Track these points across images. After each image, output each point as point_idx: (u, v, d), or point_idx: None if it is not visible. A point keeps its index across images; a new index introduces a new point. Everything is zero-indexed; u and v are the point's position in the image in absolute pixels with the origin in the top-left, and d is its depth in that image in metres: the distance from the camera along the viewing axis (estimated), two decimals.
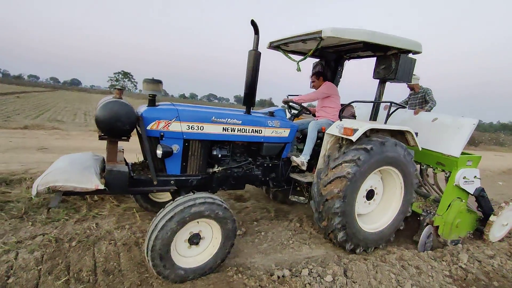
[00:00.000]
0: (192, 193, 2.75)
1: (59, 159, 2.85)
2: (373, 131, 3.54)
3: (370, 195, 3.71)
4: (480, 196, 4.30)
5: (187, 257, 2.74)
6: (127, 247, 3.17)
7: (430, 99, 5.26)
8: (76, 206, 3.94)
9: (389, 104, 3.67)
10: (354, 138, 3.24)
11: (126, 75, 73.55)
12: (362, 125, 3.33)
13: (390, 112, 3.63)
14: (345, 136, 3.33)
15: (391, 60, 3.47)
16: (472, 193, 4.22)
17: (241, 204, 4.88)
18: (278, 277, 2.84)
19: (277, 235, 3.91)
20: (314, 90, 4.28)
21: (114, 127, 2.58)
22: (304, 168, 3.72)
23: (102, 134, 2.66)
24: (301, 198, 3.82)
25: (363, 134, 3.31)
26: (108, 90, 66.67)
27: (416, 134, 3.72)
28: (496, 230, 4.37)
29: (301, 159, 3.72)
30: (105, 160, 2.90)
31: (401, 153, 3.56)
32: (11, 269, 2.64)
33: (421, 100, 5.36)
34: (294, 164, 3.78)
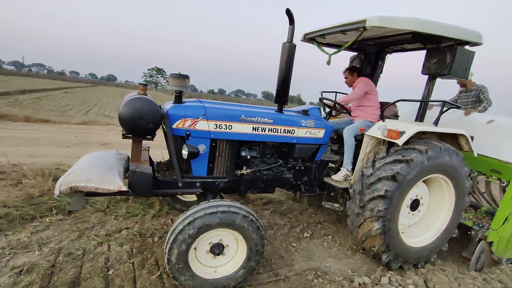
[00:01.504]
0: (220, 197, 2.56)
1: (82, 157, 2.77)
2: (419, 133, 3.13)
3: (414, 205, 3.31)
4: None
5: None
6: None
7: (484, 98, 4.64)
8: (149, 202, 4.11)
9: (440, 103, 3.24)
10: (400, 142, 2.87)
11: (159, 71, 75.95)
12: (409, 127, 2.95)
13: (442, 112, 3.20)
14: (389, 139, 2.96)
15: (445, 53, 3.02)
16: None
17: (301, 206, 4.78)
18: (359, 284, 2.88)
19: (344, 239, 3.86)
20: (350, 88, 3.93)
21: (137, 126, 2.43)
22: (351, 179, 3.39)
23: (126, 133, 2.52)
24: (336, 205, 3.51)
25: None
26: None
27: (472, 138, 3.26)
28: None
29: (344, 173, 3.45)
30: (129, 159, 2.78)
31: (458, 161, 3.14)
32: (108, 261, 2.84)
33: (474, 98, 4.75)
34: (336, 180, 3.49)
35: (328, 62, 3.29)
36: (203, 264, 2.53)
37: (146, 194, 2.70)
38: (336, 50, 3.32)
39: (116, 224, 3.49)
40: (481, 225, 3.62)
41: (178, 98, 2.80)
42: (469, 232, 3.66)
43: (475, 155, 3.33)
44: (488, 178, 3.95)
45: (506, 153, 3.62)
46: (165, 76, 77.46)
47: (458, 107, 3.48)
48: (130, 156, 2.69)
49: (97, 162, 2.58)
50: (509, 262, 3.65)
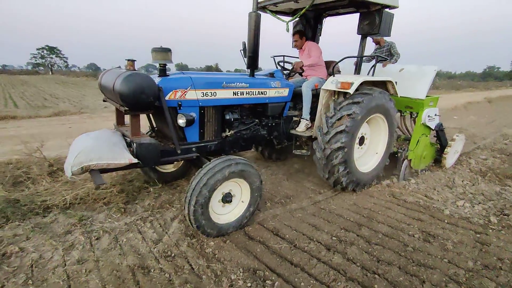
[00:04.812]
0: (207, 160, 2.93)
1: (79, 138, 2.80)
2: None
3: (361, 141, 4.19)
4: (440, 130, 5.09)
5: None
6: None
7: (394, 52, 5.75)
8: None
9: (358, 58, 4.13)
10: (351, 90, 3.60)
11: (52, 50, 64.94)
12: (356, 78, 3.69)
13: (376, 64, 4.05)
14: (342, 90, 3.67)
15: (375, 16, 3.76)
16: (433, 128, 4.97)
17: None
18: (386, 184, 4.42)
19: None
20: (298, 50, 4.51)
21: (139, 100, 2.57)
22: (312, 128, 4.04)
23: (127, 109, 2.64)
24: (303, 151, 4.20)
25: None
26: (34, 70, 58.76)
27: (396, 83, 4.21)
28: (450, 158, 5.28)
29: (305, 123, 4.05)
30: (127, 134, 2.90)
31: (390, 103, 4.08)
32: None
33: (386, 53, 5.81)
34: (300, 131, 4.09)
35: (287, 30, 3.76)
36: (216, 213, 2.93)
37: (155, 163, 2.89)
38: (293, 17, 3.80)
39: None
40: (403, 149, 4.79)
41: (163, 71, 2.97)
42: (395, 155, 4.80)
43: (399, 96, 4.33)
44: (403, 113, 5.13)
45: (415, 92, 4.74)
46: (61, 56, 66.86)
47: (385, 59, 4.38)
48: (130, 131, 2.82)
49: (101, 141, 2.68)
50: (422, 172, 4.96)
